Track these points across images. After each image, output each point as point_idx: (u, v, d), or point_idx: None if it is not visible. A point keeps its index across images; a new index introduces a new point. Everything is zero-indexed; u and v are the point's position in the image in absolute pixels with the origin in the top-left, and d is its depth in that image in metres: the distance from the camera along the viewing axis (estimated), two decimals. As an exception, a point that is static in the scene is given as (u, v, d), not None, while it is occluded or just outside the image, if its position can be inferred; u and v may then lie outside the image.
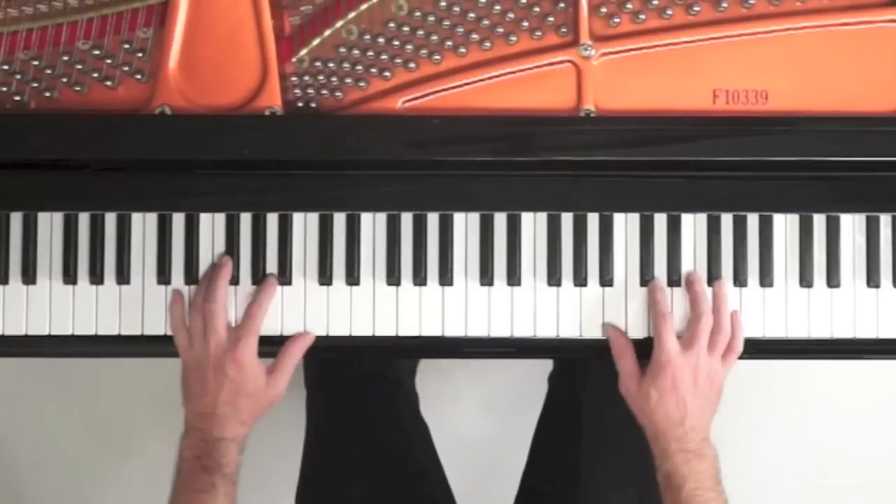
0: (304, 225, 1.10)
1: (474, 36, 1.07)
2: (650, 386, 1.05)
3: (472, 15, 1.07)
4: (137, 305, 1.10)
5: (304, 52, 1.08)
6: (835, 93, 1.07)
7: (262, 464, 1.81)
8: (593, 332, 1.09)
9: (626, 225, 1.10)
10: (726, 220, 1.09)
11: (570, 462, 1.27)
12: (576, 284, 1.09)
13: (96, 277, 1.09)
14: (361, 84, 1.07)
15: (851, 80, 1.07)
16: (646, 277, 1.09)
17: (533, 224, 1.10)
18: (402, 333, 1.09)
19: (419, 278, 1.09)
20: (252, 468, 1.82)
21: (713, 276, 1.09)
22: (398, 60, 1.07)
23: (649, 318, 1.09)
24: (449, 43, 1.07)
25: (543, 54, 1.07)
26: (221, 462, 1.03)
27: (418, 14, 1.07)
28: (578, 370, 1.38)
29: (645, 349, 1.08)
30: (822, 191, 1.08)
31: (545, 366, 1.56)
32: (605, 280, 1.09)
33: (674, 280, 1.09)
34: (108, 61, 1.07)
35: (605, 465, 1.25)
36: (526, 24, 1.07)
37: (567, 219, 1.09)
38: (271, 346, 1.09)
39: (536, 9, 1.07)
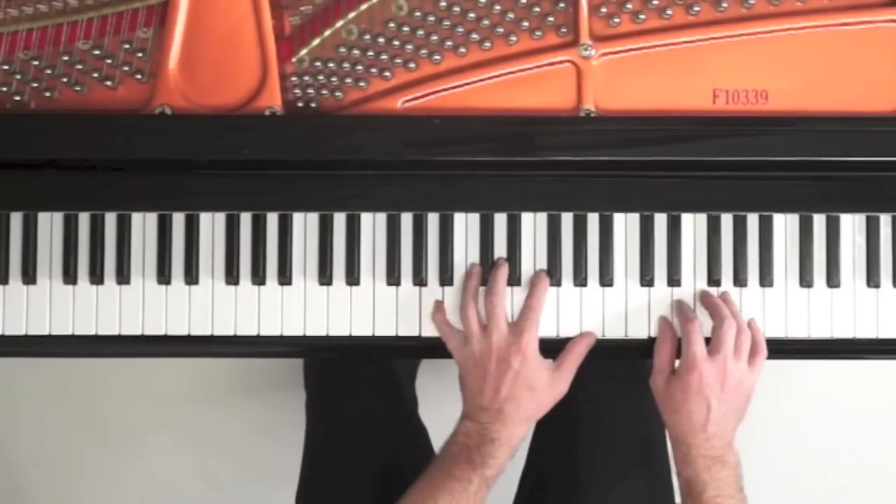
0: (304, 225, 1.10)
1: (474, 36, 1.07)
2: (676, 387, 1.04)
3: (472, 15, 1.07)
4: (137, 305, 1.10)
5: (304, 52, 1.08)
6: (835, 93, 1.07)
7: (262, 464, 1.82)
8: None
9: (626, 225, 1.10)
10: (726, 220, 1.09)
11: (568, 459, 1.27)
12: (576, 284, 1.09)
13: (96, 277, 1.09)
14: (361, 84, 1.07)
15: (851, 80, 1.07)
16: (646, 277, 1.09)
17: (533, 224, 1.10)
18: (402, 333, 1.09)
19: (419, 278, 1.09)
20: (252, 468, 1.82)
21: (713, 277, 1.09)
22: (398, 60, 1.07)
23: (650, 316, 1.09)
24: (449, 43, 1.08)
25: (543, 54, 1.07)
26: (488, 462, 1.02)
27: (418, 14, 1.07)
28: (577, 373, 1.38)
29: (647, 350, 1.08)
30: (822, 191, 1.08)
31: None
32: (605, 280, 1.09)
33: (674, 280, 1.09)
34: (108, 61, 1.07)
35: (603, 461, 1.25)
36: (526, 24, 1.07)
37: (567, 219, 1.09)
38: (264, 347, 1.10)
39: (536, 9, 1.07)
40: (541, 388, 1.04)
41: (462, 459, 1.02)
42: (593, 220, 1.09)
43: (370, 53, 1.07)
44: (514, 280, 1.09)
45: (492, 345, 1.03)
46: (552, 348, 1.11)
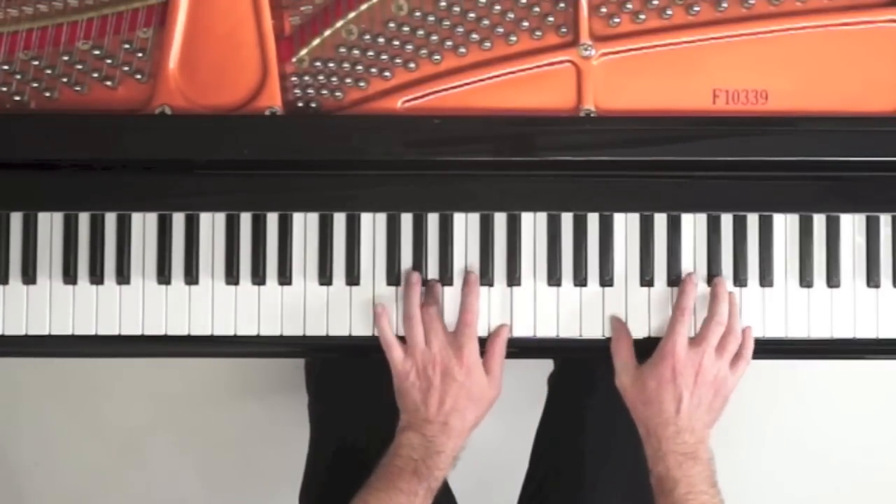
0: (304, 225, 1.10)
1: (474, 36, 1.07)
2: (649, 375, 1.04)
3: (472, 15, 1.07)
4: (137, 305, 1.10)
5: (304, 52, 1.08)
6: (835, 93, 1.07)
7: (262, 463, 1.82)
8: (593, 332, 1.09)
9: (626, 225, 1.10)
10: (726, 220, 1.09)
11: (572, 466, 1.27)
12: (576, 284, 1.09)
13: (96, 277, 1.09)
14: (361, 84, 1.07)
15: (851, 80, 1.07)
16: (646, 277, 1.09)
17: (533, 224, 1.10)
18: (401, 333, 1.09)
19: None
20: (253, 468, 1.82)
21: (713, 276, 1.09)
22: (398, 60, 1.07)
23: (650, 315, 1.09)
24: (449, 43, 1.08)
25: (543, 54, 1.07)
26: (434, 474, 1.02)
27: (418, 14, 1.07)
28: (579, 372, 1.38)
29: (646, 350, 1.08)
30: (822, 191, 1.08)
31: (546, 366, 1.56)
32: (605, 280, 1.09)
33: (674, 280, 1.09)
34: (108, 61, 1.07)
35: (608, 469, 1.25)
36: (526, 24, 1.07)
37: (567, 219, 1.09)
38: (264, 347, 1.10)
39: (536, 9, 1.07)
40: (481, 397, 1.04)
41: (408, 472, 1.02)
42: (593, 220, 1.09)
43: (370, 53, 1.07)
44: (514, 280, 1.09)
45: (435, 356, 1.04)
46: (552, 348, 1.12)
